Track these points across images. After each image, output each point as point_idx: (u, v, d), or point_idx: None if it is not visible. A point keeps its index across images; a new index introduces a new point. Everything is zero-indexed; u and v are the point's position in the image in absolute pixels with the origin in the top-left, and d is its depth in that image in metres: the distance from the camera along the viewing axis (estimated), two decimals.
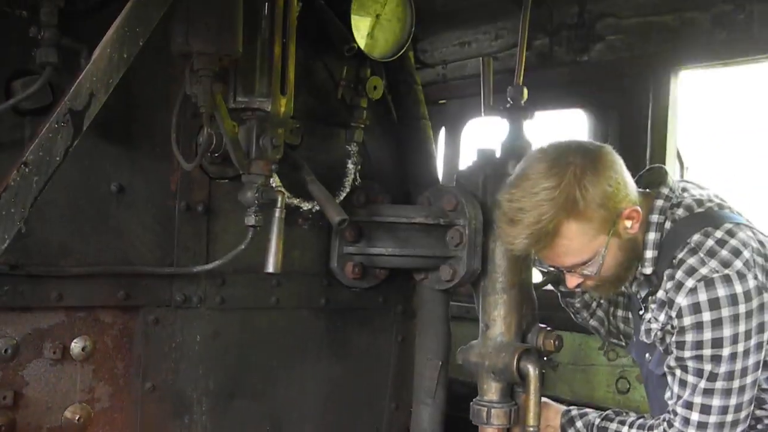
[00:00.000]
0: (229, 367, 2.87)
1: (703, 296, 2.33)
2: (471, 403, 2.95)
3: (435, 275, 3.06)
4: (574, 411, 2.79)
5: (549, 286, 3.14)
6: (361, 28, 2.91)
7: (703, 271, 2.35)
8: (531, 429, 2.81)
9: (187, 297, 2.75)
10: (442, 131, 4.67)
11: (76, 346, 2.54)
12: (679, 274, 2.39)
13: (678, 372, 2.43)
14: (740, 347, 2.33)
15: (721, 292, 2.32)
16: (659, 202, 2.53)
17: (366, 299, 3.20)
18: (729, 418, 2.37)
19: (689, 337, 2.36)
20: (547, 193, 2.35)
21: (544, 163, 2.41)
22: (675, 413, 2.44)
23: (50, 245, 2.48)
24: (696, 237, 2.42)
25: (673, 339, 2.43)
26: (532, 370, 2.82)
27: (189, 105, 2.58)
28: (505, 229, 2.45)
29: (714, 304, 2.32)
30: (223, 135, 2.52)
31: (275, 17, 2.52)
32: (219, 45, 2.33)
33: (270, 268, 2.54)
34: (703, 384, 2.37)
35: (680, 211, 2.51)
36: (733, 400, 2.36)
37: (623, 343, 3.06)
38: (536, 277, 3.23)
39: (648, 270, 2.53)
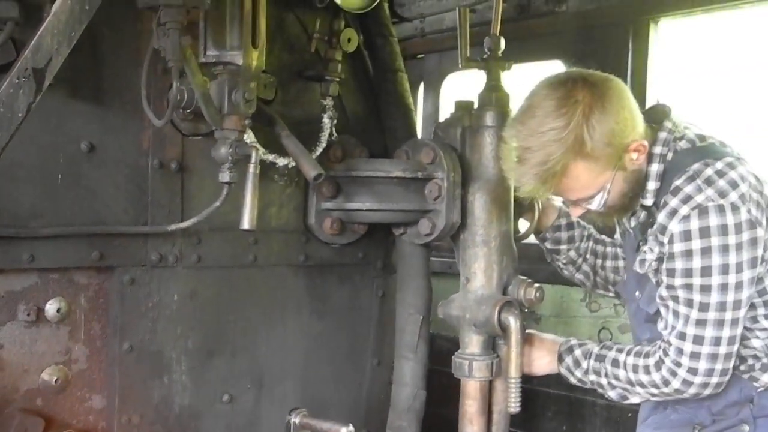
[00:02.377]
0: (207, 325, 2.85)
1: (695, 224, 2.32)
2: (453, 356, 2.95)
3: (414, 229, 3.04)
4: (574, 340, 2.77)
5: (532, 239, 3.13)
6: None
7: (699, 198, 2.33)
8: (512, 381, 2.82)
9: (163, 256, 2.72)
10: (421, 86, 4.62)
11: (51, 307, 2.51)
12: (675, 202, 2.37)
13: (671, 303, 2.43)
14: (731, 278, 2.33)
15: (713, 221, 2.31)
16: (663, 135, 2.50)
17: (345, 255, 3.18)
18: (722, 350, 2.37)
19: (679, 265, 2.37)
20: (555, 134, 2.30)
21: (552, 100, 2.35)
22: (669, 343, 2.45)
23: (20, 206, 2.44)
24: (696, 165, 2.39)
25: (664, 266, 2.42)
26: (513, 322, 2.81)
27: (159, 60, 2.51)
28: (511, 168, 2.40)
29: (704, 232, 2.31)
30: (194, 90, 2.47)
31: None
32: None
33: (245, 224, 2.51)
34: (695, 314, 2.37)
35: (682, 143, 2.48)
36: (726, 332, 2.36)
37: (611, 293, 3.05)
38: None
39: (649, 201, 2.51)
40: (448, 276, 3.89)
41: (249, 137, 2.68)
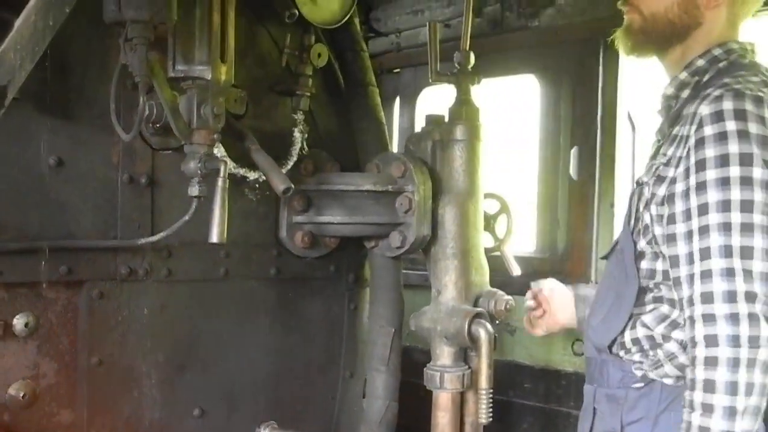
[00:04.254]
0: (178, 339, 2.85)
1: (728, 104, 2.01)
2: (425, 368, 2.97)
3: (385, 242, 3.06)
4: None
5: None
6: None
7: (736, 86, 2.05)
8: (483, 392, 2.84)
9: (133, 270, 2.71)
10: (397, 100, 4.65)
11: (18, 322, 2.50)
12: (708, 91, 2.10)
13: (693, 221, 2.01)
14: None
15: (750, 107, 2.00)
16: (734, 45, 2.27)
17: (317, 268, 3.19)
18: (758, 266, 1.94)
19: (710, 152, 2.00)
20: None
21: None
22: (691, 301, 2.01)
23: None
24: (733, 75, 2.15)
25: (692, 161, 2.04)
26: (483, 334, 2.84)
27: (128, 75, 2.51)
28: None
29: (740, 114, 1.99)
30: (163, 105, 2.49)
31: None
32: (152, 12, 2.28)
33: (214, 238, 2.52)
34: (737, 218, 1.94)
35: (742, 71, 2.21)
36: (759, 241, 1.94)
37: None
38: (487, 242, 3.25)
39: (670, 89, 2.32)
40: (424, 288, 3.90)
41: (219, 151, 2.70)
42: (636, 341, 2.27)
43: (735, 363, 1.94)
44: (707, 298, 1.98)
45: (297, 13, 2.86)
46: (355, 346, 3.31)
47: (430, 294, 3.06)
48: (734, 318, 1.94)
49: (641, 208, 2.26)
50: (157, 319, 2.79)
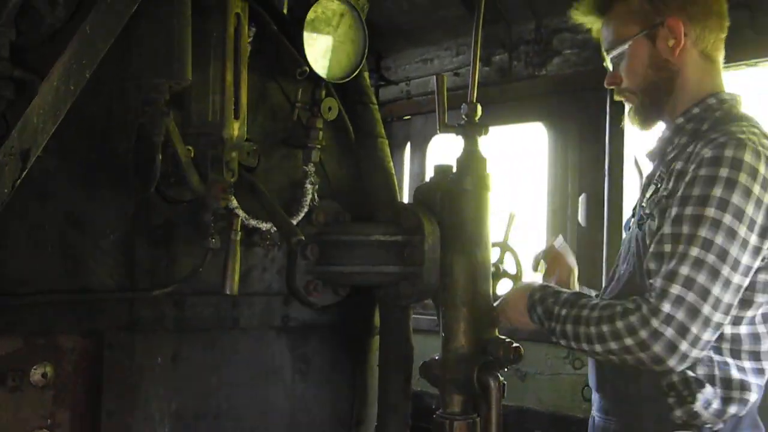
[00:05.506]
0: (191, 388, 2.89)
1: (729, 152, 2.16)
2: (433, 416, 2.99)
3: (395, 291, 3.10)
4: (537, 295, 2.59)
5: None
6: (314, 50, 2.96)
7: (741, 135, 2.20)
8: None
9: (147, 319, 2.77)
10: (408, 147, 4.72)
11: (35, 372, 2.56)
12: (714, 134, 2.25)
13: (668, 246, 2.19)
14: (741, 230, 2.12)
15: (748, 158, 2.14)
16: (725, 96, 2.43)
17: (327, 317, 3.23)
18: (705, 309, 2.11)
19: (697, 191, 2.17)
20: None
21: None
22: (652, 287, 2.19)
23: (7, 273, 2.50)
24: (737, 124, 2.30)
25: (679, 194, 2.22)
26: (492, 382, 2.85)
27: (145, 132, 2.60)
28: None
29: (736, 164, 2.14)
30: (177, 160, 2.57)
31: (226, 43, 2.58)
32: (168, 74, 2.38)
33: (227, 289, 2.59)
34: (695, 252, 2.12)
35: (743, 120, 2.35)
36: (716, 289, 2.11)
37: None
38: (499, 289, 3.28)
39: (666, 133, 2.49)
40: (434, 334, 3.94)
41: (231, 204, 2.77)
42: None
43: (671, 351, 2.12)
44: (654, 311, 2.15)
45: (308, 69, 2.94)
46: (366, 393, 3.33)
47: (440, 339, 3.09)
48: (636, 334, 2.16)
49: (648, 243, 2.34)
50: (170, 368, 2.83)
